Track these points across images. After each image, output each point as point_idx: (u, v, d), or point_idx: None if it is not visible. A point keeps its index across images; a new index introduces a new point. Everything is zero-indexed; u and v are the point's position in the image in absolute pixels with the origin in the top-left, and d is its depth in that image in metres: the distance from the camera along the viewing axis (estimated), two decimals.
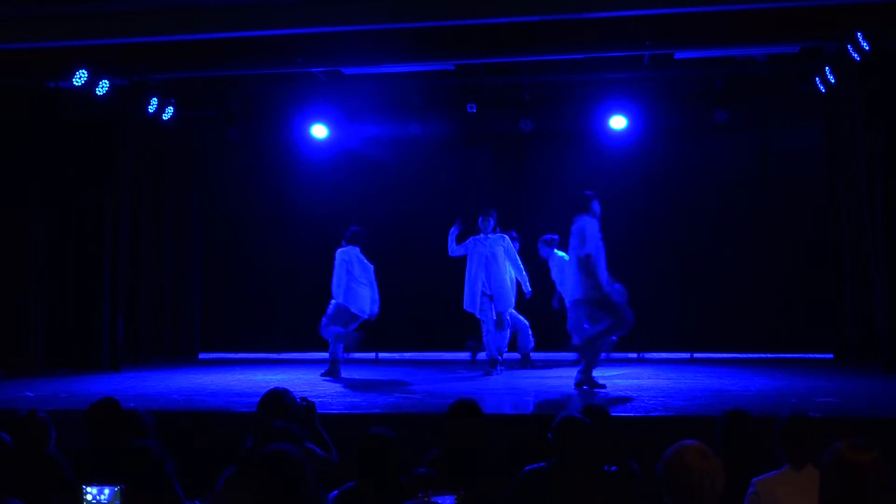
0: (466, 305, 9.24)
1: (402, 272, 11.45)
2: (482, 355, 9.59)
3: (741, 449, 4.25)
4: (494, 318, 9.11)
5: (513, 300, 9.35)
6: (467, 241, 9.27)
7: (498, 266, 9.13)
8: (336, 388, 8.20)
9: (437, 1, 8.06)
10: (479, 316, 9.17)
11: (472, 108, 10.38)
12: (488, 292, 9.12)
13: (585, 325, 7.75)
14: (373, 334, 11.46)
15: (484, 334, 9.16)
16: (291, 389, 4.92)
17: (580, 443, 3.88)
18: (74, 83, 9.22)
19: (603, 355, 10.59)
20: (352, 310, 9.04)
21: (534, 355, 10.13)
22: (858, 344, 9.79)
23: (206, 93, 11.09)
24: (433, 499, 3.11)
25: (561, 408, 6.65)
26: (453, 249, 9.24)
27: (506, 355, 9.33)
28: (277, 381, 7.74)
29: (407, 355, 11.28)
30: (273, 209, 11.62)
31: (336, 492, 3.79)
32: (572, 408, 6.06)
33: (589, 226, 7.64)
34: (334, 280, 9.07)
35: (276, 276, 11.64)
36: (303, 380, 8.80)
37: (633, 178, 10.89)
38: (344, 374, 9.37)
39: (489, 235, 9.21)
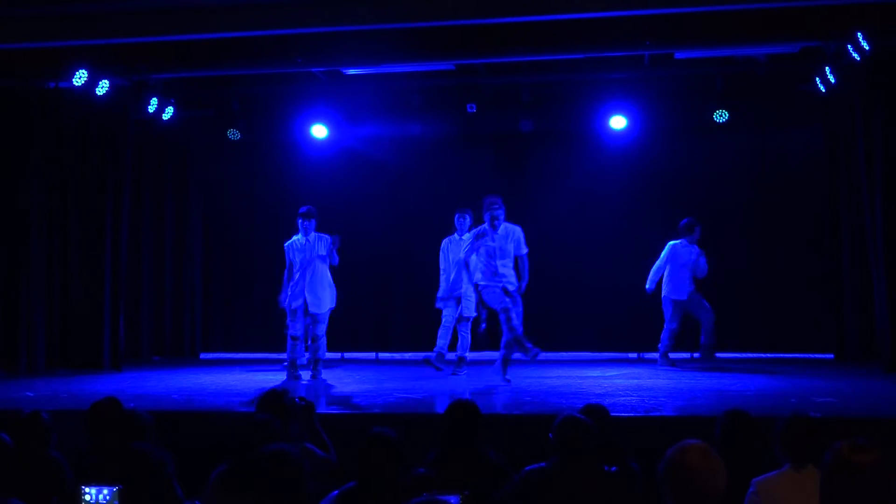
0: (438, 304, 9.20)
1: (402, 272, 11.47)
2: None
3: (741, 449, 4.25)
4: (455, 318, 8.99)
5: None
6: (443, 242, 9.17)
7: (468, 268, 8.97)
8: (336, 388, 8.21)
9: (437, 1, 8.06)
10: (443, 311, 9.08)
11: (472, 108, 10.37)
12: (456, 294, 8.98)
13: None
14: (372, 334, 11.51)
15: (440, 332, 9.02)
16: (291, 389, 4.93)
17: (580, 443, 3.88)
18: (74, 83, 9.22)
19: (604, 355, 10.68)
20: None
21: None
22: (858, 344, 9.79)
23: (206, 93, 11.08)
24: (437, 498, 3.11)
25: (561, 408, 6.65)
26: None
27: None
28: (277, 381, 7.76)
29: (407, 355, 11.28)
30: (273, 209, 11.62)
31: (336, 492, 3.79)
32: (572, 408, 6.06)
33: None
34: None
35: (276, 276, 11.61)
36: (303, 379, 8.80)
37: (632, 177, 10.89)
38: (344, 374, 9.38)
39: (463, 237, 9.08)
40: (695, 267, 9.53)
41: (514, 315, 7.89)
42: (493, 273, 8.01)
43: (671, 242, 9.67)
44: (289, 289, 8.88)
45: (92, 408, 4.80)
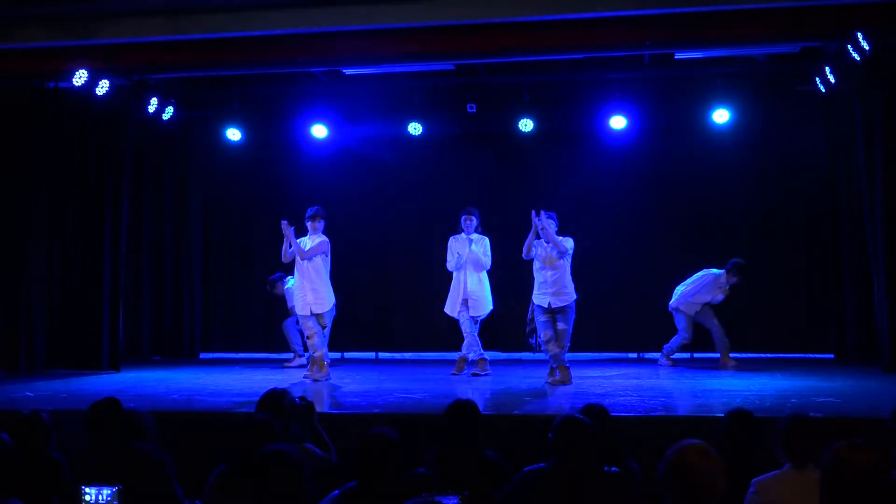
0: (446, 308, 9.18)
1: (402, 272, 11.47)
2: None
3: (743, 449, 4.25)
4: (469, 321, 8.98)
5: (489, 305, 9.13)
6: (448, 242, 9.16)
7: (475, 269, 9.01)
8: (336, 388, 8.21)
9: (437, 1, 8.05)
10: (457, 319, 9.10)
11: (472, 108, 10.37)
12: (464, 296, 8.99)
13: None
14: (372, 334, 11.51)
15: (465, 336, 9.02)
16: (292, 389, 4.93)
17: (580, 443, 3.88)
18: (74, 83, 9.22)
19: (604, 355, 10.67)
20: None
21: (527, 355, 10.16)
22: (858, 344, 9.78)
23: (206, 93, 11.09)
24: (437, 499, 3.11)
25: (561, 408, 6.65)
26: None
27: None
28: (277, 381, 7.75)
29: (407, 355, 11.28)
30: (273, 209, 11.59)
31: (336, 492, 3.79)
32: (572, 408, 6.06)
33: None
34: None
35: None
36: (303, 379, 8.80)
37: (632, 178, 10.89)
38: (344, 374, 9.38)
39: (470, 237, 9.11)
40: (714, 298, 9.76)
41: (544, 341, 8.07)
42: (539, 286, 8.12)
43: (712, 272, 9.74)
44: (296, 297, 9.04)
45: (92, 408, 4.80)
